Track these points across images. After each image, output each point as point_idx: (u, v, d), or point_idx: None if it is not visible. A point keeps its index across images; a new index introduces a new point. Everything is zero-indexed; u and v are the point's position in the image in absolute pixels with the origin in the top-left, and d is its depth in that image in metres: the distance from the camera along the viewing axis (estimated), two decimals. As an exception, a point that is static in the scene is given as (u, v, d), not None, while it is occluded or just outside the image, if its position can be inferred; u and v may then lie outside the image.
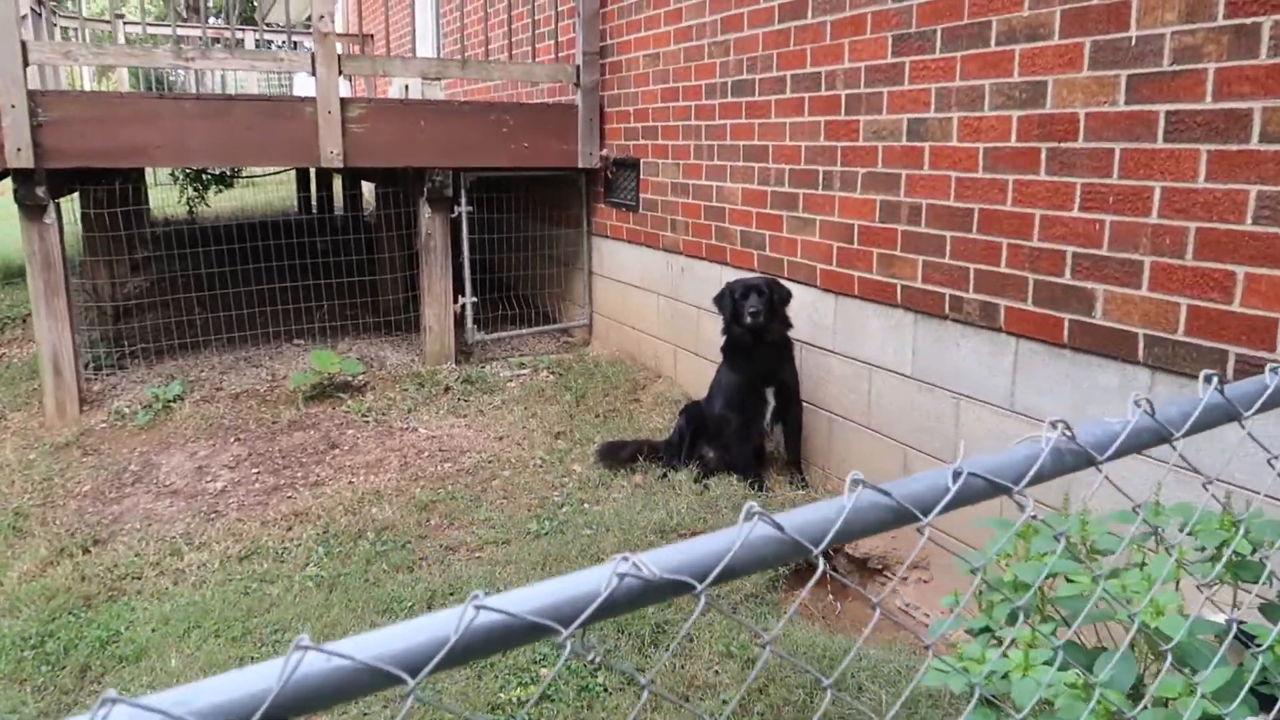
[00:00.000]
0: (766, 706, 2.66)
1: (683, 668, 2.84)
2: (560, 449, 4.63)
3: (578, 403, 5.24)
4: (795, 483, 4.16)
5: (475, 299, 5.92)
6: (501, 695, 2.71)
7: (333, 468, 4.43)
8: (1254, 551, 1.59)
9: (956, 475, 0.87)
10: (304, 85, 9.26)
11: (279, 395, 5.25)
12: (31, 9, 6.79)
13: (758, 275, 4.32)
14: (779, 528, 0.78)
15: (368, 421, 4.98)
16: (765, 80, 4.33)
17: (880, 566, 3.70)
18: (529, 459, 4.53)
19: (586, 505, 4.00)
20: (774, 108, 4.29)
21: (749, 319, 3.93)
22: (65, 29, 9.39)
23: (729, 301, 4.05)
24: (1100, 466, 0.95)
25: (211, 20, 14.20)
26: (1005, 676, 1.44)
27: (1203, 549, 1.66)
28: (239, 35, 11.00)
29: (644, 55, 5.37)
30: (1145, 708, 1.28)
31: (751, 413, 4.12)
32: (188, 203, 10.52)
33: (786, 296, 4.06)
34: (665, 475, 4.17)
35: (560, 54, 6.26)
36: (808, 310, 4.18)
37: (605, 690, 2.73)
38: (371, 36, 11.25)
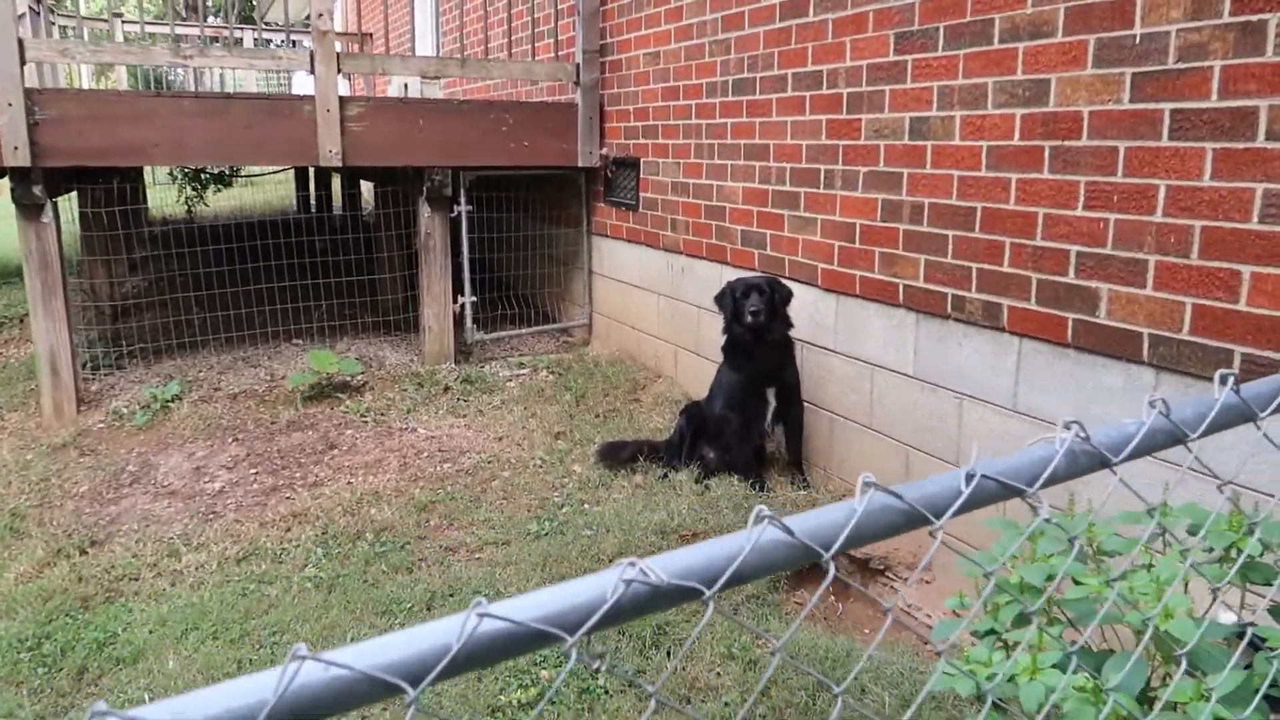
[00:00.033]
0: (769, 709, 2.64)
1: (684, 669, 2.82)
2: (560, 449, 4.61)
3: (577, 403, 5.22)
4: (796, 483, 4.14)
5: (474, 298, 5.90)
6: (502, 698, 2.69)
7: (331, 468, 4.41)
8: (1263, 553, 1.57)
9: (969, 477, 0.86)
10: (303, 84, 9.24)
11: (277, 395, 5.23)
12: (30, 7, 6.77)
13: (759, 274, 4.30)
14: (789, 532, 0.76)
15: (366, 422, 4.96)
16: (766, 79, 4.31)
17: (882, 567, 3.68)
18: (529, 459, 4.51)
19: (587, 506, 3.98)
20: (775, 106, 4.27)
21: (750, 318, 3.92)
22: (64, 28, 9.37)
23: (730, 301, 4.03)
24: (1114, 468, 0.93)
25: (210, 19, 14.16)
26: (1012, 680, 1.42)
27: (1210, 550, 1.64)
28: (237, 34, 10.98)
29: (644, 54, 5.35)
30: (1156, 712, 1.26)
31: (752, 413, 4.10)
32: (186, 202, 10.50)
33: (788, 296, 4.04)
34: (666, 476, 4.15)
35: (560, 52, 6.24)
36: (809, 310, 4.16)
37: (606, 693, 2.71)
38: (370, 35, 11.23)
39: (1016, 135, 3.07)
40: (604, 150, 5.84)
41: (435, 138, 5.35)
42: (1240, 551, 1.56)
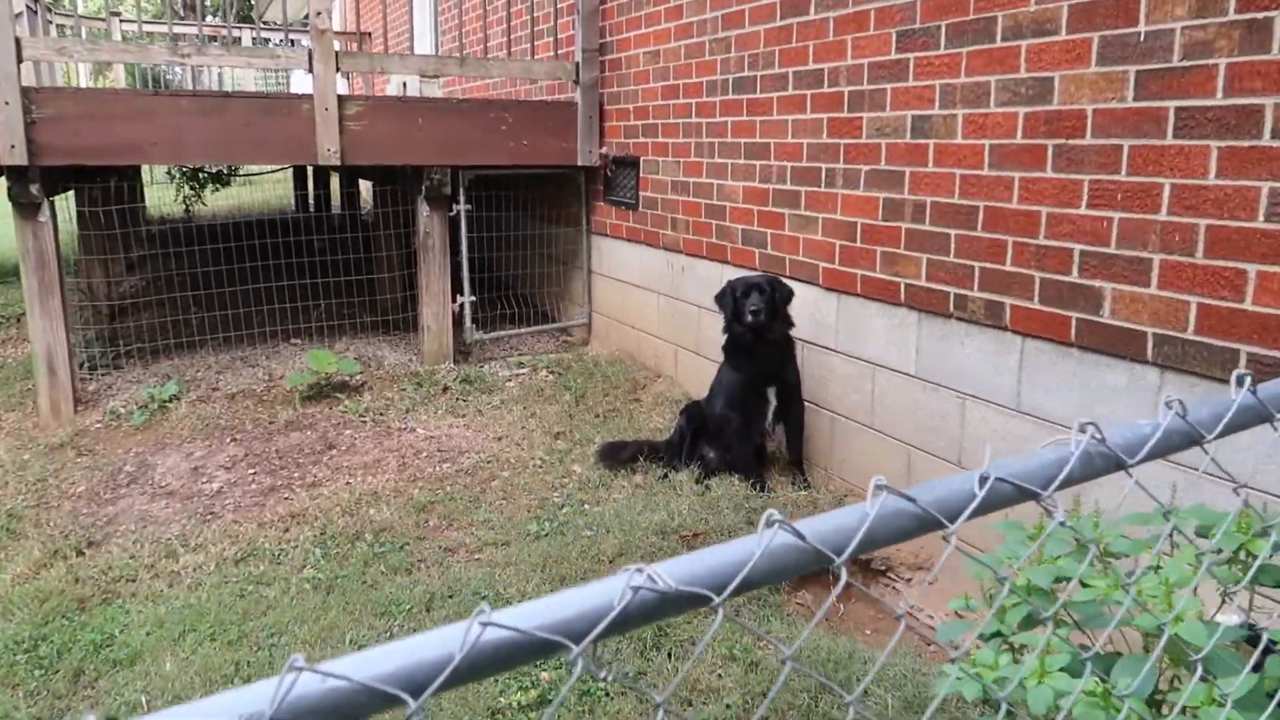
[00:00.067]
0: (771, 710, 2.62)
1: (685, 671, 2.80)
2: (560, 449, 4.59)
3: (577, 402, 5.20)
4: (797, 483, 4.12)
5: (474, 298, 5.87)
6: (501, 700, 2.66)
7: (330, 468, 4.39)
8: (1273, 555, 1.55)
9: (983, 480, 0.84)
10: (301, 83, 9.22)
11: (276, 395, 5.20)
12: (27, 6, 6.74)
13: (759, 273, 4.28)
14: (800, 536, 0.74)
15: (365, 422, 4.94)
16: (767, 77, 4.29)
17: (884, 568, 3.66)
18: (528, 459, 4.48)
19: (587, 506, 3.96)
20: (776, 105, 4.25)
21: (750, 317, 3.90)
22: (61, 27, 9.34)
23: (730, 300, 4.01)
24: (1130, 470, 0.92)
25: (208, 18, 14.13)
26: (1020, 683, 1.40)
27: (1219, 551, 1.62)
28: (235, 33, 10.95)
29: (644, 52, 5.33)
30: (1173, 715, 1.25)
31: (753, 412, 4.08)
32: (184, 201, 10.46)
33: (788, 295, 4.02)
34: (666, 476, 4.13)
35: (559, 51, 6.22)
36: (810, 309, 4.14)
37: (607, 694, 2.69)
38: (369, 34, 11.20)
39: (1019, 134, 3.05)
40: (604, 149, 5.82)
41: (434, 137, 5.33)
42: (1249, 553, 1.54)
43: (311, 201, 10.70)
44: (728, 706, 2.62)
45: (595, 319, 6.29)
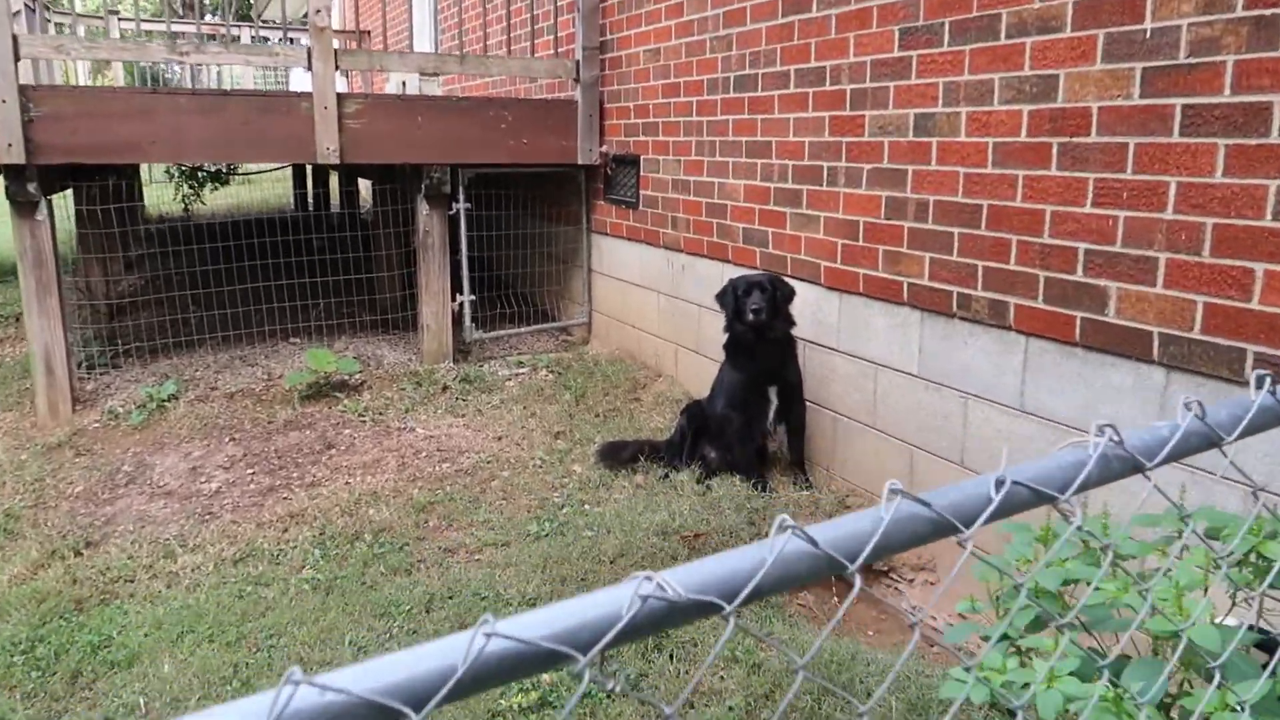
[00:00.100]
0: (772, 711, 2.60)
1: (686, 673, 2.78)
2: (560, 449, 4.57)
3: (577, 402, 5.17)
4: (799, 483, 4.10)
5: (473, 297, 5.85)
6: (502, 702, 2.64)
7: (329, 468, 4.36)
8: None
9: (999, 484, 0.81)
10: (300, 81, 9.19)
11: (274, 395, 5.18)
12: (25, 4, 6.72)
13: (761, 272, 4.25)
14: (812, 542, 0.72)
15: (364, 421, 4.91)
16: (768, 75, 4.27)
17: (886, 569, 3.64)
18: (528, 459, 4.46)
19: (587, 506, 3.93)
20: (777, 103, 4.22)
21: (752, 316, 3.88)
22: (59, 25, 9.31)
23: (731, 299, 3.99)
24: (1148, 473, 0.89)
25: (207, 16, 14.10)
26: (1025, 686, 1.38)
27: (1229, 554, 1.60)
28: (234, 31, 10.92)
29: (644, 50, 5.31)
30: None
31: (754, 412, 4.06)
32: (183, 200, 10.43)
33: (790, 294, 4.00)
34: (667, 476, 4.11)
35: (559, 49, 6.19)
36: (811, 308, 4.12)
37: (608, 697, 2.67)
38: (368, 32, 11.17)
39: (1024, 132, 3.03)
40: (604, 148, 5.80)
41: (434, 135, 5.31)
42: (1261, 556, 1.52)
43: (311, 200, 10.68)
44: (730, 709, 2.60)
45: (595, 318, 6.27)
